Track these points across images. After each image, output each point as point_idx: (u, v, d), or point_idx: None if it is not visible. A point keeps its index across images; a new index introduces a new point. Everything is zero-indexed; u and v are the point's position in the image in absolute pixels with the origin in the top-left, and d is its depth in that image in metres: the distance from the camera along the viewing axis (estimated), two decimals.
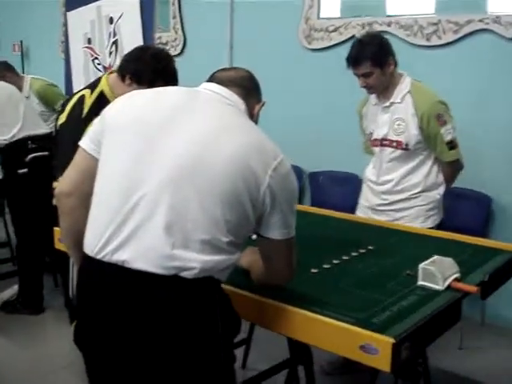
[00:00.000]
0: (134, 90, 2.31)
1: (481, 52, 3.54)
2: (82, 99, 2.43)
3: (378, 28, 3.92)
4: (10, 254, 4.51)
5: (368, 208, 2.96)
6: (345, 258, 2.06)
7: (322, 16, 4.26)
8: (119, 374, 1.55)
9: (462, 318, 3.10)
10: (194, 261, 1.43)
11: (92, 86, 2.48)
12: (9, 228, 4.58)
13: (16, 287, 3.88)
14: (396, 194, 2.83)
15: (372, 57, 2.64)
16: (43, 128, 3.75)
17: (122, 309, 1.47)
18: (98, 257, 1.49)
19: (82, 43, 6.00)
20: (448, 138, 2.71)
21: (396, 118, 2.76)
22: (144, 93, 1.66)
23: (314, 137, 4.30)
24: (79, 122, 2.36)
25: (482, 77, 3.55)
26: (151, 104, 1.58)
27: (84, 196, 1.58)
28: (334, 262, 2.01)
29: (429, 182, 2.81)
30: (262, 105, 1.73)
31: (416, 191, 2.80)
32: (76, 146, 2.28)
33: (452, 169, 2.84)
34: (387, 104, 2.78)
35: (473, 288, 1.77)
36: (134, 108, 1.59)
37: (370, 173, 2.97)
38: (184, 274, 1.43)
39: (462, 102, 3.60)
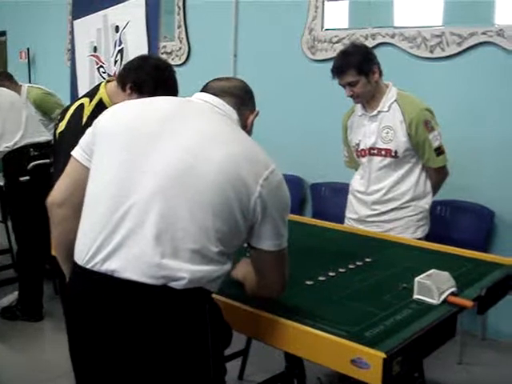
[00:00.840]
0: (135, 99, 2.34)
1: (484, 65, 3.53)
2: (81, 107, 2.42)
3: (381, 40, 3.92)
4: (11, 260, 4.52)
5: (356, 220, 2.96)
6: (341, 270, 2.05)
7: (326, 27, 4.27)
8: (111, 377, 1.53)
9: (462, 332, 3.11)
10: (183, 270, 1.42)
11: (91, 95, 2.48)
12: (11, 234, 4.60)
13: (16, 293, 3.88)
14: (386, 203, 2.86)
15: (356, 65, 2.68)
16: (45, 135, 3.76)
17: (111, 318, 1.46)
18: (88, 266, 1.48)
19: (87, 51, 6.03)
20: (436, 144, 2.77)
21: (384, 126, 2.79)
22: (135, 102, 1.67)
23: (316, 148, 4.29)
24: (78, 130, 2.33)
25: (484, 89, 3.54)
26: (142, 114, 1.58)
27: (76, 206, 1.58)
28: (330, 274, 2.00)
29: (418, 190, 2.84)
30: (256, 114, 1.72)
31: (405, 199, 2.83)
32: None
33: (439, 175, 2.89)
34: (374, 113, 2.81)
35: (468, 303, 1.75)
36: (124, 118, 1.58)
37: (357, 184, 2.98)
38: (173, 285, 1.42)
39: (464, 115, 3.60)
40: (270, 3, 4.49)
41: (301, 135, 4.36)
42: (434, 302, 1.74)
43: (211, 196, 1.42)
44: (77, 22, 6.15)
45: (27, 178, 3.56)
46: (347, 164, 3.15)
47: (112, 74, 5.08)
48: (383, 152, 2.81)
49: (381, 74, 2.79)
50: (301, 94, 4.39)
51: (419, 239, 2.76)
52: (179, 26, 5.13)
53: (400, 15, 3.93)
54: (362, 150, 2.89)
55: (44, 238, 2.58)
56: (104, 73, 5.74)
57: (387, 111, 2.78)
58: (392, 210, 2.85)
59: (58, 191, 1.64)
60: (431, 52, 3.71)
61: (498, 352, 3.47)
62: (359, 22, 4.10)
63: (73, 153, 1.64)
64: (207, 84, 1.70)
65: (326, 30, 4.25)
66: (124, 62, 5.43)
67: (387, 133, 2.78)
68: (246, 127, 1.68)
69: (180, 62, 5.10)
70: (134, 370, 1.47)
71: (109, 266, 1.44)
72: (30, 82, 6.99)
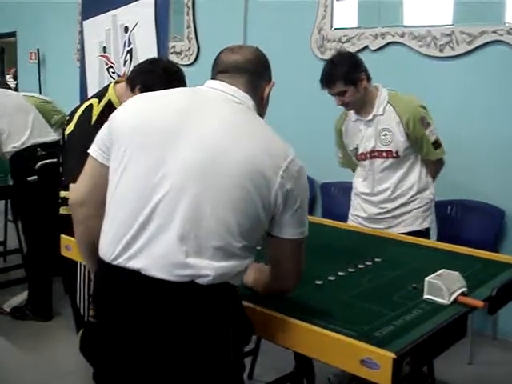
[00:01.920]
0: None
1: (494, 63, 3.51)
2: (90, 108, 2.43)
3: (391, 39, 3.90)
4: (21, 260, 4.54)
5: (365, 219, 2.98)
6: (351, 270, 2.04)
7: (336, 26, 4.26)
8: (129, 379, 1.57)
9: (473, 332, 3.10)
10: (208, 268, 1.43)
11: (100, 96, 2.48)
12: (21, 235, 4.62)
13: (26, 293, 3.89)
14: (393, 201, 2.90)
15: (343, 76, 2.71)
16: (52, 135, 3.78)
17: (136, 315, 1.48)
18: (115, 263, 1.50)
19: (97, 52, 6.04)
20: (433, 138, 2.82)
21: (381, 128, 2.82)
22: (150, 96, 1.63)
23: (325, 147, 4.26)
24: (88, 130, 2.35)
25: (494, 88, 3.52)
26: (158, 108, 1.56)
27: (97, 204, 1.60)
28: (340, 274, 1.99)
29: (421, 182, 2.91)
30: (272, 85, 1.69)
31: (411, 194, 2.89)
32: (86, 154, 2.30)
33: (437, 166, 2.96)
34: (370, 117, 2.84)
35: (479, 303, 1.74)
36: (140, 113, 1.57)
37: (360, 186, 3.01)
38: (198, 281, 1.43)
39: (474, 114, 3.58)
40: (279, 2, 4.48)
41: (310, 134, 4.35)
42: (445, 302, 1.73)
43: (232, 192, 1.43)
44: (86, 23, 6.17)
45: (35, 177, 3.57)
46: (341, 165, 3.22)
47: (121, 75, 5.09)
48: (384, 154, 2.84)
49: (369, 79, 2.80)
50: (310, 93, 4.36)
51: (427, 229, 2.90)
52: (188, 26, 5.14)
53: (409, 14, 3.91)
54: (362, 153, 2.92)
55: (53, 238, 2.59)
56: (113, 73, 5.75)
57: (382, 114, 2.81)
58: (400, 205, 2.90)
59: (79, 191, 1.66)
60: (441, 51, 3.70)
61: (509, 352, 3.45)
62: (368, 21, 4.09)
63: (90, 151, 1.64)
64: (219, 57, 1.66)
65: (336, 29, 4.24)
66: (133, 63, 5.44)
67: (385, 135, 2.81)
68: (263, 100, 1.67)
69: (189, 62, 5.11)
70: (156, 365, 1.49)
71: (134, 264, 1.46)
72: (39, 82, 7.03)
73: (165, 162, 1.46)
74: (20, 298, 3.86)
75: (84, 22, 6.16)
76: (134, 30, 5.43)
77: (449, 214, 3.63)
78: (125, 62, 5.60)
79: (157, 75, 2.36)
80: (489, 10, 3.53)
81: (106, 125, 1.64)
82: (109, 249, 1.51)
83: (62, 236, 2.44)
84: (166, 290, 1.44)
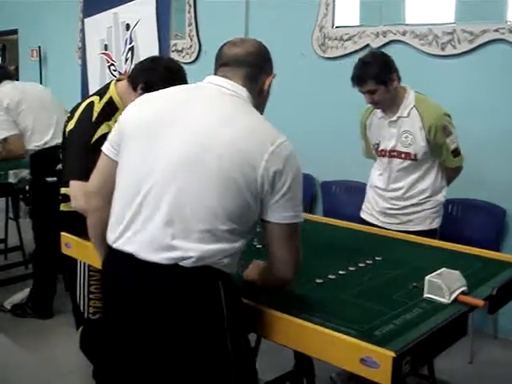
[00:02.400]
0: None
1: (496, 62, 3.51)
2: (91, 105, 2.43)
3: (392, 37, 3.90)
4: (22, 258, 4.55)
5: (378, 212, 3.05)
6: (351, 268, 2.04)
7: (337, 24, 4.25)
8: (127, 364, 1.68)
9: (474, 331, 3.09)
10: (193, 250, 1.50)
11: (101, 93, 2.49)
12: (22, 232, 4.62)
13: (27, 291, 3.89)
14: (405, 200, 2.96)
15: (376, 76, 2.74)
16: None
17: (132, 295, 1.59)
18: (115, 246, 1.62)
19: (98, 49, 6.04)
20: (453, 146, 2.85)
21: (403, 130, 2.87)
22: (153, 96, 1.72)
23: (326, 146, 4.28)
24: (89, 126, 2.38)
25: (496, 86, 3.52)
26: (157, 104, 1.67)
27: (108, 197, 1.69)
28: (340, 272, 1.99)
29: (436, 186, 2.95)
30: (273, 77, 1.73)
31: (424, 196, 2.94)
32: (86, 150, 2.29)
33: (454, 173, 3.02)
34: (394, 118, 2.88)
35: (479, 302, 1.74)
36: (143, 111, 1.67)
37: (376, 180, 3.06)
38: (183, 263, 1.51)
39: (476, 112, 3.57)
40: (281, 0, 4.48)
41: (311, 133, 4.35)
42: (445, 301, 1.73)
43: (216, 175, 1.48)
44: (87, 21, 6.16)
45: (54, 179, 3.49)
46: (365, 155, 3.23)
47: (123, 72, 5.09)
48: (403, 155, 2.90)
49: (399, 80, 2.83)
50: (311, 91, 4.38)
51: (435, 229, 2.97)
52: (190, 24, 5.13)
53: (411, 12, 3.91)
54: (383, 150, 2.97)
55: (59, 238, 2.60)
56: (115, 71, 5.75)
57: (407, 117, 2.85)
58: (411, 205, 2.95)
59: (92, 184, 1.78)
60: (442, 49, 3.69)
61: (510, 351, 3.44)
62: (370, 20, 4.08)
63: (103, 148, 1.74)
64: (221, 50, 1.72)
65: (337, 27, 4.24)
66: (135, 60, 5.43)
67: (406, 137, 2.85)
68: (263, 92, 1.72)
69: (191, 60, 5.10)
70: (152, 348, 1.59)
71: (129, 249, 1.57)
72: (41, 80, 7.03)
73: (154, 153, 1.55)
74: (21, 295, 3.86)
75: (85, 20, 6.16)
76: (135, 28, 5.43)
77: (450, 213, 3.62)
78: (126, 59, 5.59)
79: (158, 73, 2.37)
80: (490, 8, 3.53)
81: (116, 125, 1.74)
82: (111, 234, 1.64)
83: (62, 234, 2.44)
84: (156, 272, 1.53)
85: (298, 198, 1.58)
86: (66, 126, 2.50)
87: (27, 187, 4.01)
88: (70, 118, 2.48)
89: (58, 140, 3.58)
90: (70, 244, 2.40)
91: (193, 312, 1.53)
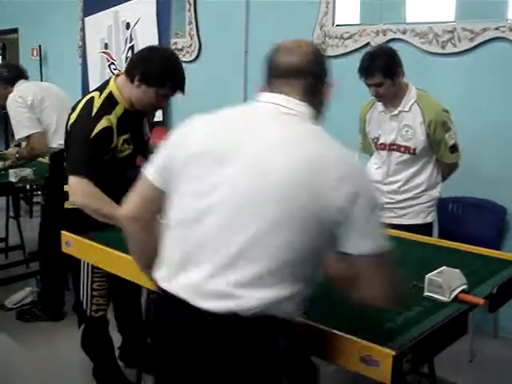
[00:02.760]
0: (143, 91, 2.39)
1: (496, 60, 3.50)
2: (91, 100, 2.45)
3: (393, 35, 3.89)
4: (23, 257, 4.55)
5: None
6: None
7: (337, 23, 4.24)
8: None
9: (474, 329, 3.09)
10: (254, 298, 1.35)
11: (101, 89, 2.51)
12: (22, 231, 4.63)
13: (28, 290, 3.89)
14: (402, 193, 3.04)
15: (383, 68, 2.81)
16: None
17: (179, 342, 1.45)
18: (164, 286, 1.48)
19: (99, 48, 6.04)
20: (451, 142, 2.92)
21: (404, 124, 2.94)
22: (204, 118, 1.54)
23: None
24: (88, 121, 2.40)
25: (496, 85, 3.51)
26: (211, 131, 1.49)
27: (148, 221, 1.61)
28: None
29: (431, 181, 3.02)
30: (333, 88, 1.57)
31: (420, 190, 3.02)
32: (86, 144, 2.35)
33: (450, 169, 3.08)
34: (395, 112, 2.95)
35: (480, 300, 1.74)
36: (196, 138, 1.49)
37: (374, 173, 3.08)
38: (241, 313, 1.35)
39: (476, 111, 3.57)
40: None
41: None
42: (445, 299, 1.73)
43: (279, 214, 1.33)
44: (88, 19, 6.16)
45: None
46: (362, 151, 3.26)
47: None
48: (402, 149, 2.96)
49: (403, 75, 2.91)
50: None
51: (430, 223, 3.05)
52: (190, 23, 5.13)
53: (411, 11, 3.90)
54: (382, 143, 3.04)
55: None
56: (115, 69, 5.74)
57: (408, 111, 2.92)
58: (407, 199, 3.02)
59: (130, 206, 1.63)
60: (443, 48, 3.68)
61: (510, 349, 3.44)
62: (370, 18, 4.07)
63: (146, 172, 1.60)
64: (273, 59, 1.52)
65: (338, 25, 4.23)
66: None
67: (407, 131, 2.92)
68: (322, 105, 1.57)
69: (191, 59, 5.10)
70: None
71: (181, 293, 1.42)
72: (41, 79, 7.02)
73: (211, 188, 1.40)
74: (22, 294, 3.85)
75: (86, 19, 6.16)
76: (135, 27, 5.43)
77: (451, 211, 3.63)
78: (126, 58, 5.59)
79: (154, 63, 2.39)
80: (491, 6, 3.52)
81: (164, 150, 1.57)
82: (160, 271, 1.52)
83: (63, 232, 2.45)
84: (209, 321, 1.37)
85: (378, 224, 1.40)
86: (67, 121, 2.52)
87: (28, 186, 4.02)
88: (71, 114, 2.51)
89: None
90: (71, 242, 2.41)
91: (246, 366, 1.39)
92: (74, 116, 2.48)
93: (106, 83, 2.53)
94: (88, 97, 2.49)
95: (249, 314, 1.35)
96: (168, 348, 1.50)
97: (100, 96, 2.46)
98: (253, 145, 1.40)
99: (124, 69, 2.54)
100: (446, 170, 3.06)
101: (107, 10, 5.75)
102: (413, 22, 3.85)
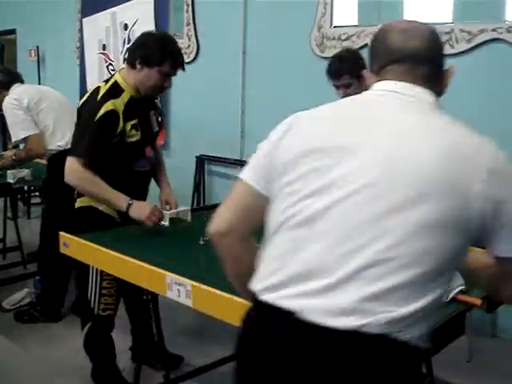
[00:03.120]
0: (145, 73, 2.52)
1: (493, 61, 3.51)
2: (97, 89, 2.60)
3: None
4: (21, 257, 4.55)
5: None
6: None
7: (335, 24, 4.25)
8: None
9: (472, 329, 3.09)
10: (385, 312, 1.17)
11: (107, 80, 2.67)
12: (20, 232, 4.63)
13: (26, 291, 3.88)
14: None
15: (351, 69, 2.95)
16: None
17: (291, 365, 1.25)
18: (264, 298, 1.29)
19: (96, 49, 6.06)
20: None
21: None
22: (311, 113, 1.40)
23: None
24: (94, 104, 2.53)
25: (494, 86, 3.52)
26: (324, 128, 1.33)
27: (244, 235, 1.44)
28: None
29: None
30: (454, 73, 1.40)
31: None
32: (89, 126, 2.49)
33: None
34: None
35: (477, 301, 1.74)
36: (307, 134, 1.33)
37: None
38: (366, 330, 1.17)
39: (473, 112, 3.56)
40: (279, 0, 4.48)
41: None
42: (443, 299, 1.73)
43: (421, 212, 1.17)
44: (86, 20, 6.18)
45: None
46: None
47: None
48: None
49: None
50: (310, 90, 4.38)
51: None
52: (188, 24, 5.13)
53: (409, 12, 3.91)
54: None
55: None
56: (113, 70, 5.75)
57: None
58: None
59: (223, 219, 1.44)
60: None
61: (508, 349, 3.45)
62: (368, 19, 4.08)
63: (244, 177, 1.42)
64: (388, 41, 1.34)
65: (335, 27, 4.23)
66: None
67: None
68: (441, 92, 1.39)
69: (189, 60, 5.10)
70: None
71: (291, 305, 1.23)
72: (39, 80, 7.03)
73: (334, 184, 1.23)
74: (20, 295, 3.85)
75: (84, 20, 6.18)
76: (133, 28, 5.44)
77: None
78: (124, 59, 5.60)
79: (152, 44, 2.53)
80: (488, 7, 3.53)
81: (264, 150, 1.40)
82: (260, 282, 1.32)
83: (61, 233, 2.45)
84: (325, 338, 1.20)
85: None
86: (78, 106, 2.69)
87: (26, 187, 4.01)
88: (80, 99, 2.70)
89: None
90: (68, 243, 2.41)
91: None
92: (80, 102, 2.65)
93: (111, 76, 2.68)
94: (95, 87, 2.64)
95: (375, 332, 1.18)
96: (266, 364, 1.29)
97: (105, 85, 2.60)
98: (381, 137, 1.24)
99: (126, 61, 2.67)
100: None
101: (105, 11, 5.77)
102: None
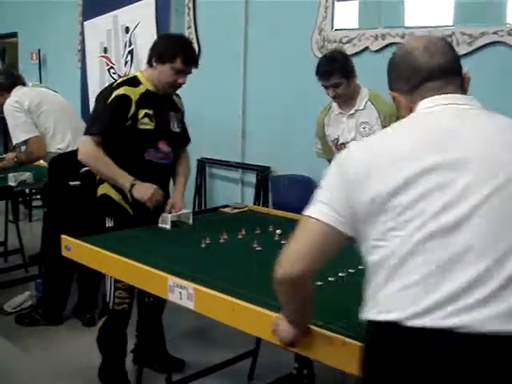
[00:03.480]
0: (160, 70, 2.65)
1: (494, 64, 3.51)
2: (115, 81, 2.80)
3: (391, 40, 3.90)
4: (22, 260, 4.55)
5: None
6: (351, 270, 2.04)
7: (336, 27, 4.26)
8: None
9: None
10: None
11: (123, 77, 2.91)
12: (21, 235, 4.63)
13: (27, 294, 3.88)
14: None
15: (341, 69, 3.04)
16: None
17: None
18: (419, 323, 1.21)
19: (98, 52, 6.06)
20: None
21: (361, 122, 3.15)
22: (389, 134, 1.40)
23: None
24: (108, 89, 2.72)
25: (495, 89, 3.51)
26: (417, 150, 1.28)
27: (314, 273, 1.39)
28: (340, 274, 2.00)
29: None
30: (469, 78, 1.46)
31: None
32: (102, 106, 2.64)
33: None
34: (352, 111, 3.17)
35: None
36: (391, 156, 1.29)
37: None
38: None
39: None
40: (280, 3, 4.48)
41: (309, 135, 4.35)
42: None
43: None
44: (87, 24, 6.18)
45: (78, 183, 3.45)
46: (319, 155, 3.47)
47: (122, 75, 5.11)
48: None
49: (356, 77, 3.14)
50: (310, 93, 4.37)
51: None
52: (189, 27, 5.15)
53: (410, 15, 3.91)
54: (342, 143, 3.20)
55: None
56: (114, 74, 5.77)
57: (363, 109, 3.14)
58: None
59: (293, 263, 1.36)
60: None
61: None
62: (369, 23, 4.08)
63: (314, 214, 1.34)
64: (415, 62, 1.38)
65: (336, 30, 4.24)
66: (134, 63, 5.46)
67: (364, 128, 3.13)
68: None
69: None
70: None
71: (458, 321, 1.18)
72: (40, 82, 7.04)
73: (458, 203, 1.21)
74: (21, 298, 3.84)
75: (85, 23, 6.19)
76: (134, 31, 5.45)
77: None
78: (126, 62, 5.61)
79: (165, 43, 2.74)
80: (489, 10, 3.53)
81: (337, 185, 1.34)
82: (405, 310, 1.23)
83: (62, 236, 2.45)
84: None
85: None
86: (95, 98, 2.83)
87: (27, 190, 4.01)
88: None
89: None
90: (70, 246, 2.41)
91: None
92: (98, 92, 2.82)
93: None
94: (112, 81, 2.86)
95: None
96: None
97: (124, 77, 2.84)
98: (478, 143, 1.26)
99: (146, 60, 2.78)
100: None
101: (106, 15, 5.78)
102: (411, 26, 3.85)
